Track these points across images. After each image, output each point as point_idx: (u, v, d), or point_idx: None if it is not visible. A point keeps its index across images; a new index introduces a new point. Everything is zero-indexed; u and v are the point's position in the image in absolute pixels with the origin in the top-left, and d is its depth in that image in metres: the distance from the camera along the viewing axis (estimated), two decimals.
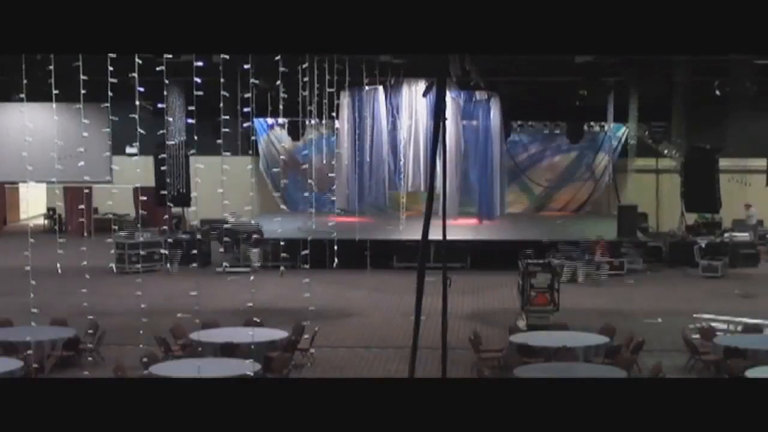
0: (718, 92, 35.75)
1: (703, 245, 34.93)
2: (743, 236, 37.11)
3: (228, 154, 22.76)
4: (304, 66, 27.24)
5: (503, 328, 22.97)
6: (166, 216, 35.75)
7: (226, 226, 35.43)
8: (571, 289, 30.40)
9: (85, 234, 28.79)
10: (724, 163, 38.33)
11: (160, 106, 26.78)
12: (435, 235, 11.52)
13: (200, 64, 21.40)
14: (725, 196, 37.89)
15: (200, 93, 21.35)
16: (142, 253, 33.36)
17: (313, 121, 32.70)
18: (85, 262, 21.84)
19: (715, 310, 26.91)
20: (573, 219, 42.75)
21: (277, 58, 23.24)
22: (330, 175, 33.44)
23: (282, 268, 29.05)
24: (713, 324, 23.78)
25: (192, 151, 36.41)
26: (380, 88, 36.59)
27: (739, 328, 23.34)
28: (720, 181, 37.65)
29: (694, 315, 25.91)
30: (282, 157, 41.24)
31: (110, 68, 19.74)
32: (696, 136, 37.63)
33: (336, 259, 29.45)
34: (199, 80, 20.99)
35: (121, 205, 37.98)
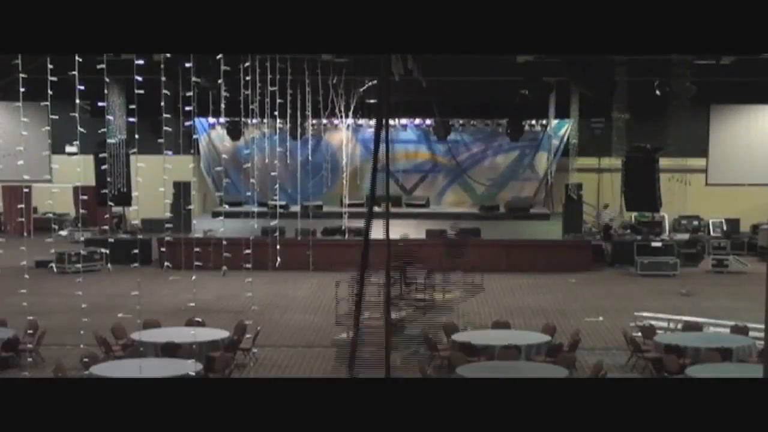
0: (658, 92, 35.96)
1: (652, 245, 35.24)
2: (683, 236, 37.46)
3: (170, 153, 22.65)
4: (246, 65, 27.14)
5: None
6: (107, 215, 35.53)
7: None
8: (512, 288, 30.61)
9: (25, 234, 28.46)
10: (664, 162, 38.57)
11: (100, 104, 26.54)
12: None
13: (141, 62, 21.27)
14: (666, 196, 38.11)
15: (141, 91, 21.21)
16: (82, 252, 33.15)
17: (255, 120, 32.62)
18: (24, 262, 21.64)
19: (655, 308, 27.08)
20: (521, 219, 42.41)
21: (219, 56, 23.16)
22: (272, 174, 33.26)
23: (224, 267, 28.91)
24: (653, 322, 23.91)
25: (133, 150, 36.15)
26: None
27: (680, 326, 23.50)
28: (660, 180, 37.84)
29: (635, 313, 26.05)
30: (224, 156, 41.05)
31: (50, 66, 19.57)
32: (636, 135, 37.89)
33: (279, 259, 29.43)
34: (140, 78, 20.85)
35: (61, 204, 37.70)
